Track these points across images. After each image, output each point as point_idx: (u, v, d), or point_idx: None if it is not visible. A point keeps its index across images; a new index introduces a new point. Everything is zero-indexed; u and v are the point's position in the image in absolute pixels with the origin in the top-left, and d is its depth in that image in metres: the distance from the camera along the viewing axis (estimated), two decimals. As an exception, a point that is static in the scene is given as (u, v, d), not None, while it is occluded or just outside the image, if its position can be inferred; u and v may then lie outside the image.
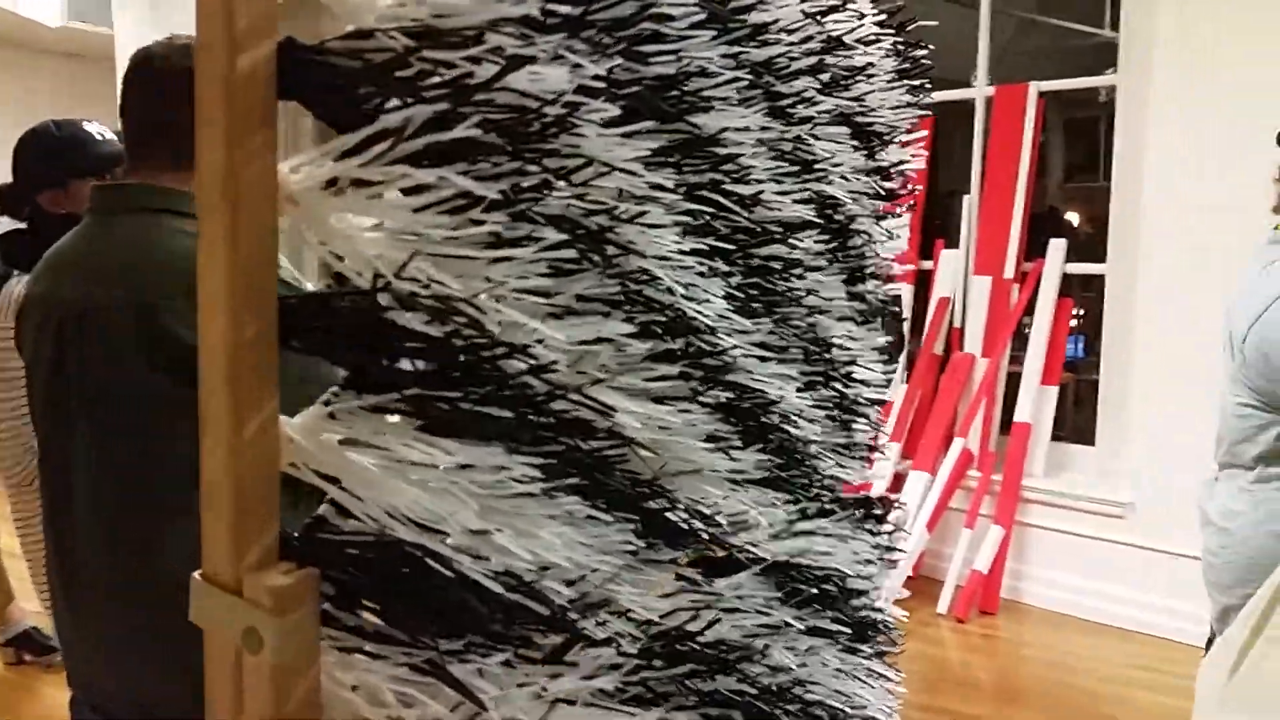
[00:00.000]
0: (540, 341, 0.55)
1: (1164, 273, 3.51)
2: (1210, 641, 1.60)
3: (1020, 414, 3.73)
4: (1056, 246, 3.77)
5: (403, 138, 0.49)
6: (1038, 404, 3.72)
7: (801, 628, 0.96)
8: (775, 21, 0.79)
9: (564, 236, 0.56)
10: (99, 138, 2.46)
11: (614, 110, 0.58)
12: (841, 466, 1.17)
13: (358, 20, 0.53)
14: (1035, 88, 3.79)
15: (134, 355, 1.17)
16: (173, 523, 1.21)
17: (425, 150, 0.50)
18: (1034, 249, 3.86)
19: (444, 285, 0.49)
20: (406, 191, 0.51)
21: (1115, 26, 3.79)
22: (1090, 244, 3.96)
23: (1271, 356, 1.33)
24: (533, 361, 0.55)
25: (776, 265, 0.90)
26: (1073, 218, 5.55)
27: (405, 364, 0.55)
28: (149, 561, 1.22)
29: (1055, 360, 3.75)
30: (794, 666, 0.94)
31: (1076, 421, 4.33)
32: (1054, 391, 3.75)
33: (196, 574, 0.54)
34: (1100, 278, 3.71)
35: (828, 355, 1.06)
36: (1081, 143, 6.10)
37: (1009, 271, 3.80)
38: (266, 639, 0.51)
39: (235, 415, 0.51)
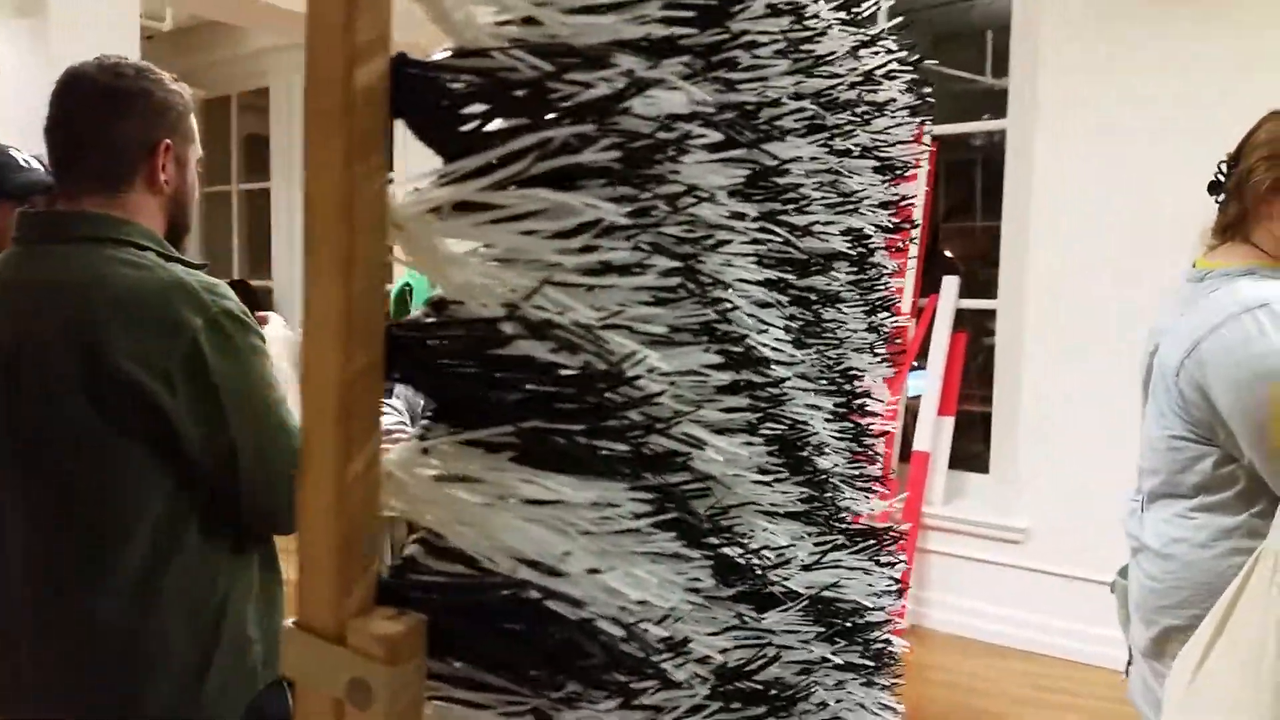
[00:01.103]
0: (651, 371, 0.53)
1: (1051, 309, 3.68)
2: (1129, 664, 1.62)
3: (919, 443, 3.85)
4: (950, 283, 3.93)
5: (528, 160, 0.47)
6: (935, 433, 3.84)
7: (838, 662, 0.95)
8: (831, 54, 0.79)
9: (674, 264, 0.55)
10: (24, 164, 2.34)
11: (716, 136, 0.56)
12: (853, 498, 1.17)
13: (466, 37, 0.51)
14: (929, 132, 3.93)
15: (73, 393, 1.11)
16: (105, 567, 1.16)
17: (546, 174, 0.48)
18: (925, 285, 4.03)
19: (576, 312, 0.47)
20: (518, 216, 0.49)
21: (996, 74, 4.01)
22: (968, 280, 4.12)
23: (1208, 390, 1.37)
24: (642, 393, 0.53)
25: (814, 296, 0.89)
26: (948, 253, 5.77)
27: (504, 396, 0.53)
28: (79, 606, 1.17)
29: (951, 391, 3.89)
30: (831, 703, 0.92)
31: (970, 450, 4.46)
32: (950, 422, 3.88)
33: (288, 622, 0.50)
34: (988, 313, 3.88)
35: (848, 387, 1.06)
36: (959, 184, 6.35)
37: (905, 306, 3.92)
38: (377, 691, 0.47)
39: (343, 451, 0.48)
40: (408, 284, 3.14)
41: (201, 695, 1.20)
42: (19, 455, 1.16)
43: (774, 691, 0.78)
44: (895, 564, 1.29)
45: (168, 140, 1.25)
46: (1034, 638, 3.64)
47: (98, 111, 1.22)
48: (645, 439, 0.54)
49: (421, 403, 1.93)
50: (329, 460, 0.48)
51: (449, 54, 0.51)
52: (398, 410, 1.91)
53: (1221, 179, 1.51)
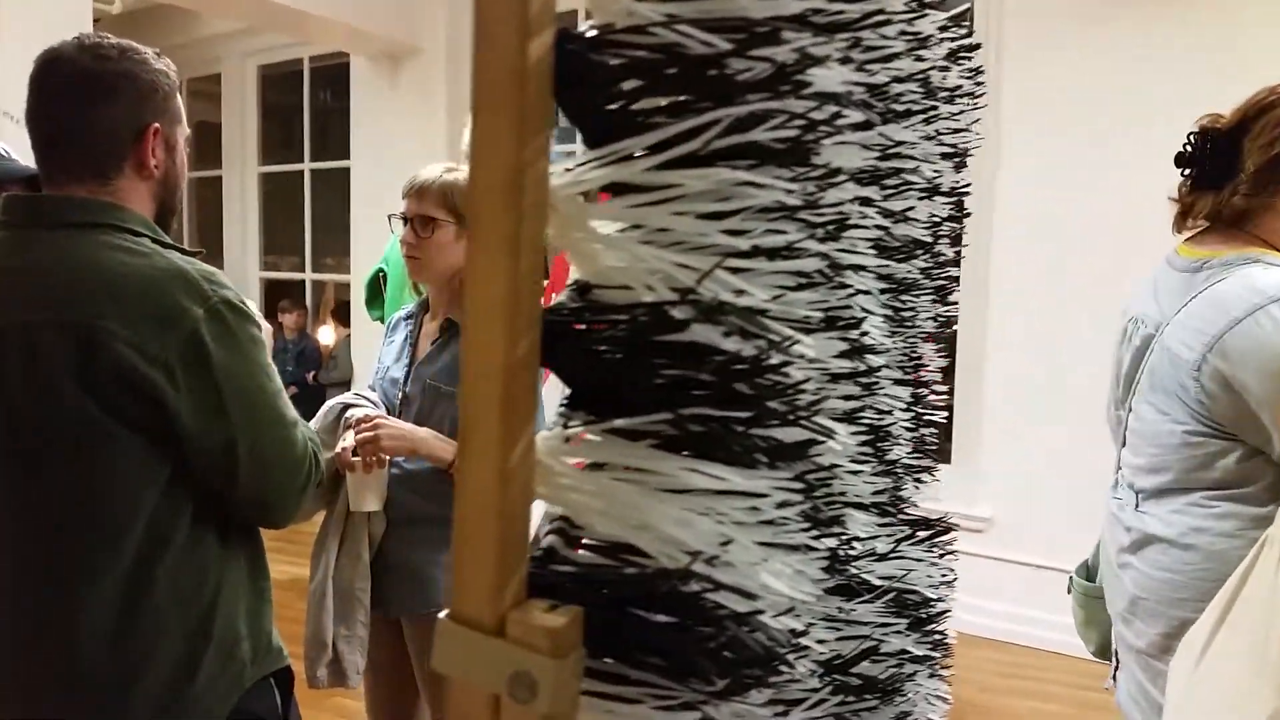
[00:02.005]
0: (802, 357, 0.52)
1: (1013, 300, 3.72)
2: (1117, 669, 1.58)
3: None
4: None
5: (701, 140, 0.46)
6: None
7: (916, 654, 0.94)
8: (929, 37, 0.78)
9: (821, 247, 0.53)
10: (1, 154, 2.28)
11: (859, 117, 0.55)
12: (913, 488, 1.16)
13: (621, 11, 0.49)
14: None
15: (66, 379, 1.08)
16: (99, 565, 1.13)
17: (716, 153, 0.47)
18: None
19: (750, 296, 0.46)
20: (686, 197, 0.48)
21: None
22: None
23: (1238, 384, 1.33)
24: (793, 380, 0.52)
25: (898, 284, 0.88)
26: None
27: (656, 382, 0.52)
28: (71, 604, 1.14)
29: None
30: (910, 695, 0.92)
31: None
32: (914, 414, 3.93)
33: (443, 615, 0.49)
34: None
35: (917, 375, 1.05)
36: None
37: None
38: (542, 685, 0.46)
39: (506, 438, 0.46)
40: (381, 269, 3.00)
41: (190, 693, 1.17)
42: (8, 445, 1.13)
43: (872, 683, 0.77)
44: (949, 555, 1.28)
45: (156, 124, 1.21)
46: (999, 626, 3.69)
47: (81, 97, 1.17)
48: (796, 426, 0.53)
49: (401, 395, 1.90)
50: (491, 448, 0.46)
51: (602, 29, 0.49)
52: (373, 402, 1.89)
53: (1197, 152, 1.41)
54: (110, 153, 1.20)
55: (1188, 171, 1.43)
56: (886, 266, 0.77)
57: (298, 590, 2.12)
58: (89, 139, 1.18)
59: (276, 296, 6.38)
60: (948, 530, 1.30)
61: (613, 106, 0.49)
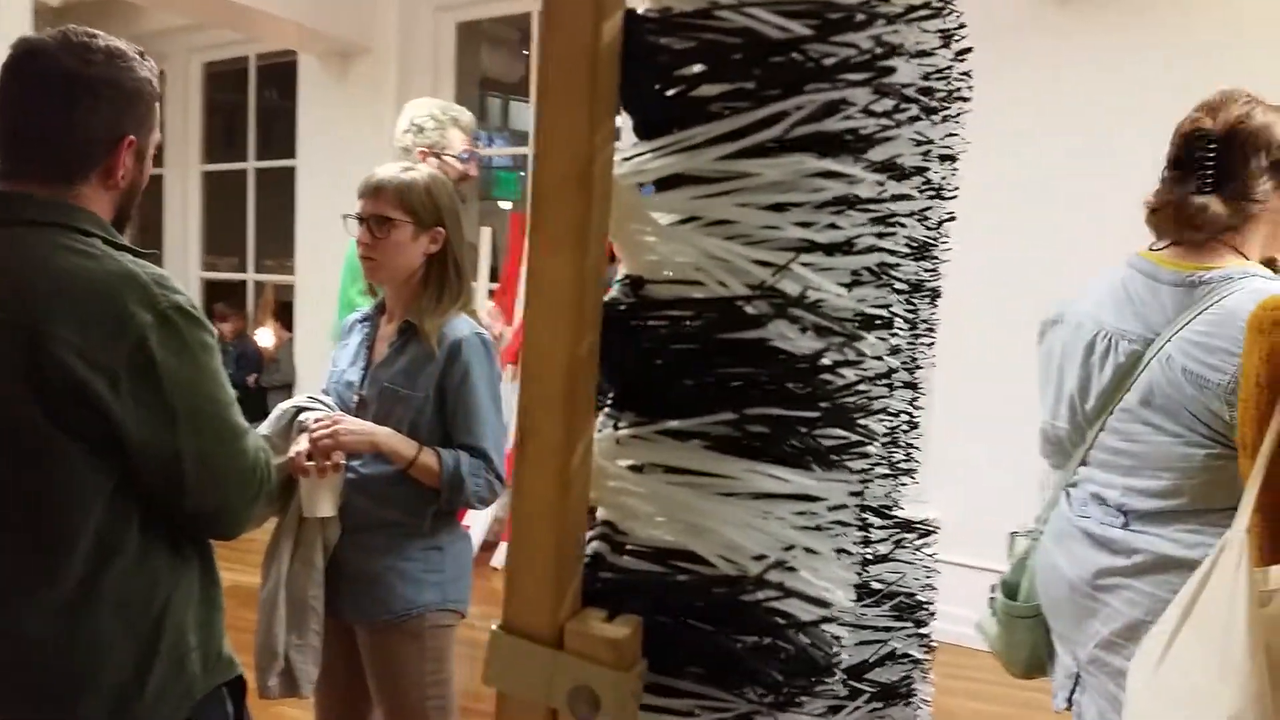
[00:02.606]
0: (866, 356, 0.50)
1: (957, 304, 3.75)
2: (1071, 695, 1.53)
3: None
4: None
5: (778, 126, 0.44)
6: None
7: (917, 657, 0.93)
8: (953, 31, 0.77)
9: (882, 243, 0.52)
10: None
11: (916, 112, 0.54)
12: (899, 491, 1.16)
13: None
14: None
15: (15, 384, 1.03)
16: (44, 576, 1.09)
17: (795, 142, 0.45)
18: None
19: (827, 292, 0.44)
20: (757, 188, 0.46)
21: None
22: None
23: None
24: (853, 379, 0.50)
25: (908, 285, 0.88)
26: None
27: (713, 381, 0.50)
28: (15, 615, 1.09)
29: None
30: (917, 699, 0.91)
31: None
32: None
33: (495, 626, 0.46)
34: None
35: (915, 378, 1.05)
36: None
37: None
38: (606, 698, 0.44)
39: (567, 442, 0.44)
40: None
41: (139, 704, 1.13)
42: None
43: (891, 690, 0.76)
44: (931, 558, 1.28)
45: (132, 136, 1.17)
46: (944, 628, 3.72)
47: (59, 99, 1.11)
48: (850, 428, 0.52)
49: (357, 398, 1.85)
50: (553, 450, 0.44)
51: (663, 11, 0.47)
52: (328, 406, 1.84)
53: (1194, 157, 1.36)
54: (81, 160, 1.15)
55: (1170, 174, 1.39)
56: (907, 266, 0.76)
57: (240, 598, 2.05)
58: (61, 143, 1.13)
59: (217, 297, 6.23)
60: (931, 533, 1.30)
61: (672, 92, 0.47)
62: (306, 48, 5.03)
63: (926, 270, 1.00)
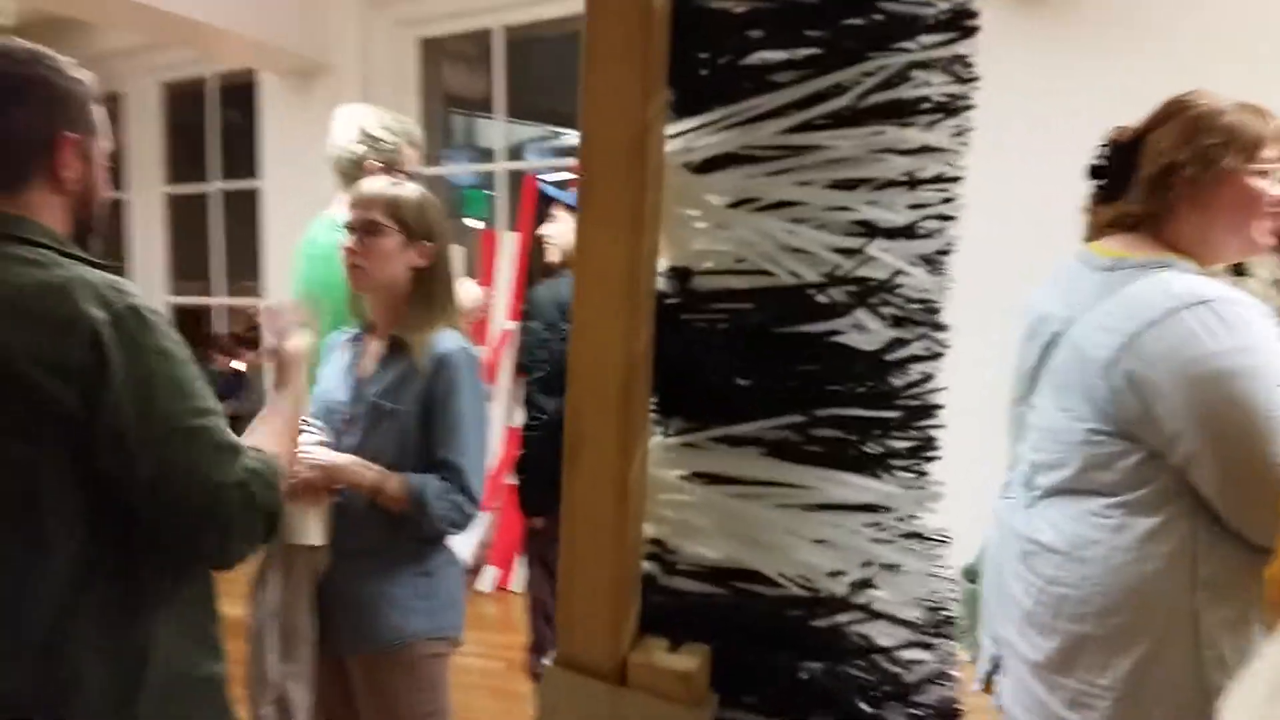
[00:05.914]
0: (945, 348, 0.46)
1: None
2: (990, 676, 1.51)
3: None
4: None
5: (849, 95, 0.40)
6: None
7: (955, 674, 0.89)
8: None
9: (943, 226, 0.48)
10: None
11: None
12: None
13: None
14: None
15: None
16: (17, 606, 1.03)
17: (859, 113, 0.41)
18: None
19: (913, 279, 0.40)
20: (826, 164, 0.41)
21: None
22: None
23: (1148, 387, 1.29)
24: (931, 373, 0.46)
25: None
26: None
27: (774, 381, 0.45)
28: (7, 619, 1.03)
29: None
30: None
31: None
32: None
33: (547, 660, 0.41)
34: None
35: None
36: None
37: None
38: (678, 740, 0.39)
39: (624, 450, 0.39)
40: None
41: None
42: None
43: (943, 712, 0.72)
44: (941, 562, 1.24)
45: (68, 133, 1.12)
46: None
47: (6, 102, 1.07)
48: (921, 430, 0.47)
49: (345, 416, 1.80)
50: (609, 460, 0.39)
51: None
52: (318, 429, 1.78)
53: (1105, 163, 1.45)
54: (19, 165, 1.10)
55: (1098, 182, 1.45)
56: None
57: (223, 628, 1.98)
58: (3, 144, 1.08)
59: (185, 323, 6.11)
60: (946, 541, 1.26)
61: (724, 60, 0.43)
62: (266, 66, 4.95)
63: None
